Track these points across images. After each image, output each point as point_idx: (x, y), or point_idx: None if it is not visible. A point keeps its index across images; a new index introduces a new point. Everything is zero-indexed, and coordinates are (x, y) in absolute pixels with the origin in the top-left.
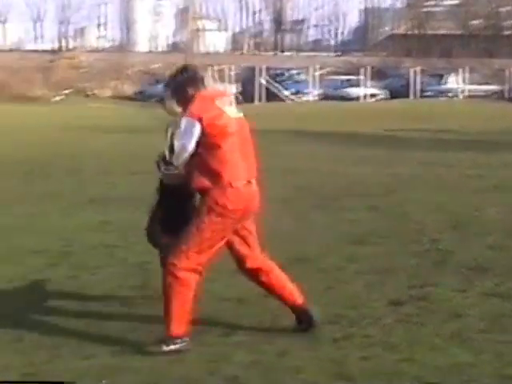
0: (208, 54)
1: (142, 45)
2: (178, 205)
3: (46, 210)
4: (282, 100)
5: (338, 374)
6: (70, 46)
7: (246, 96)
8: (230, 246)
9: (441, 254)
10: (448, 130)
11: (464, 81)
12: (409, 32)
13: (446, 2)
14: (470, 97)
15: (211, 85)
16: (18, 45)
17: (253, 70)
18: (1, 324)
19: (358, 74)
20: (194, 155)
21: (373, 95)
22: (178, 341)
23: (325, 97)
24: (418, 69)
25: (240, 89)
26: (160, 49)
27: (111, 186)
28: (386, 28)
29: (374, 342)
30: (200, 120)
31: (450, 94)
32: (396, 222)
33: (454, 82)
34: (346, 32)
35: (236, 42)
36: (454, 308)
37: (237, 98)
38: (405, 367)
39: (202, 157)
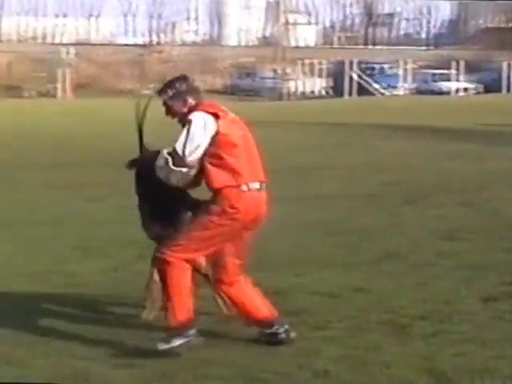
0: (298, 47)
1: (231, 38)
2: (166, 193)
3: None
4: (373, 94)
5: (428, 369)
6: (161, 40)
7: (336, 90)
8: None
9: None
10: None
11: None
12: (502, 25)
13: None
14: None
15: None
16: (109, 39)
17: (343, 64)
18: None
19: (449, 67)
20: (207, 155)
21: (465, 89)
22: (185, 333)
23: (417, 91)
24: None
25: (331, 83)
26: (250, 43)
27: None
28: (480, 21)
29: (465, 339)
30: (216, 116)
31: None
32: (487, 218)
33: None
34: (437, 25)
35: (326, 35)
36: None
37: (327, 93)
38: (497, 364)
39: (218, 156)
